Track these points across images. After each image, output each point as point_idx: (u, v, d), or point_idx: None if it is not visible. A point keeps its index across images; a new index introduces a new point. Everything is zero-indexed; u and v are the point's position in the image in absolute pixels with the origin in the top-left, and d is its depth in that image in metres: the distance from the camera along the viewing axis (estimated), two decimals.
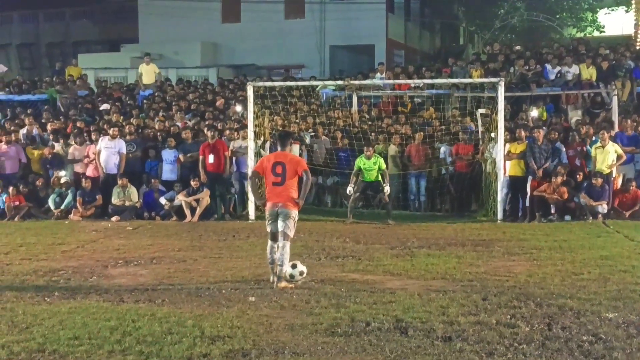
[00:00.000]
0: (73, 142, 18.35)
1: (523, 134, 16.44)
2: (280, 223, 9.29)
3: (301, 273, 9.26)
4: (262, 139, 17.84)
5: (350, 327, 7.13)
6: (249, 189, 10.12)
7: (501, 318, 7.39)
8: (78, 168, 18.12)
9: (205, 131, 17.66)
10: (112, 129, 17.90)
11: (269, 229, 9.46)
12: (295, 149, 18.20)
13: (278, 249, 9.25)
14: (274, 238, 9.37)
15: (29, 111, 21.96)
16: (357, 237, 13.49)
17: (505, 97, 16.87)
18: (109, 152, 17.53)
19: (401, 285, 9.18)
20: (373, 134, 18.47)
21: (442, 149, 18.04)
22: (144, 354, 6.37)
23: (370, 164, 16.04)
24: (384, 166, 16.17)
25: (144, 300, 8.49)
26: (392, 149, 18.06)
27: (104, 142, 17.61)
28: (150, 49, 30.12)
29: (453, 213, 17.51)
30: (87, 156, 17.99)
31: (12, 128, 19.53)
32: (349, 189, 16.16)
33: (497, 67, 22.07)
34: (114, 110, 21.36)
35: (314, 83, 21.36)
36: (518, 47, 25.06)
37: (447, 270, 10.08)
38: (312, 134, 19.21)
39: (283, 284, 9.10)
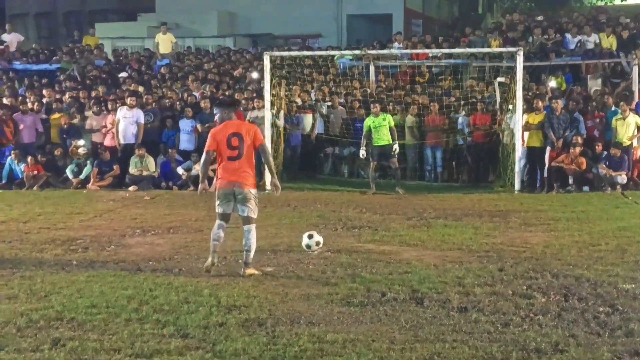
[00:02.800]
0: (90, 112, 18.40)
1: (541, 104, 16.28)
2: (239, 207, 8.34)
3: (317, 243, 9.30)
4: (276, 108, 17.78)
5: (366, 298, 7.16)
6: (201, 165, 8.68)
7: (517, 289, 7.39)
8: (95, 138, 18.19)
9: None
10: (129, 99, 17.89)
11: (219, 209, 8.43)
12: (309, 118, 18.19)
13: (244, 234, 8.36)
14: (224, 218, 8.46)
15: (43, 81, 22.01)
16: (373, 208, 13.46)
17: (524, 67, 16.70)
18: (127, 122, 17.58)
19: (417, 255, 9.19)
20: (390, 104, 18.36)
21: (460, 119, 17.91)
22: (160, 322, 6.43)
23: (379, 120, 15.86)
24: (392, 123, 16.03)
25: (161, 270, 8.56)
26: (410, 120, 17.95)
27: (122, 112, 17.64)
28: (167, 18, 29.98)
29: (470, 184, 17.43)
30: (105, 126, 18.04)
31: (32, 98, 19.56)
32: (362, 152, 16.10)
33: (515, 36, 21.81)
34: (132, 80, 21.35)
35: (331, 53, 21.21)
36: (540, 18, 24.68)
37: (464, 241, 10.08)
38: (329, 104, 19.14)
39: (250, 270, 8.29)
